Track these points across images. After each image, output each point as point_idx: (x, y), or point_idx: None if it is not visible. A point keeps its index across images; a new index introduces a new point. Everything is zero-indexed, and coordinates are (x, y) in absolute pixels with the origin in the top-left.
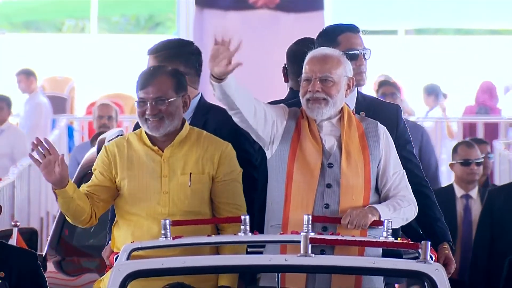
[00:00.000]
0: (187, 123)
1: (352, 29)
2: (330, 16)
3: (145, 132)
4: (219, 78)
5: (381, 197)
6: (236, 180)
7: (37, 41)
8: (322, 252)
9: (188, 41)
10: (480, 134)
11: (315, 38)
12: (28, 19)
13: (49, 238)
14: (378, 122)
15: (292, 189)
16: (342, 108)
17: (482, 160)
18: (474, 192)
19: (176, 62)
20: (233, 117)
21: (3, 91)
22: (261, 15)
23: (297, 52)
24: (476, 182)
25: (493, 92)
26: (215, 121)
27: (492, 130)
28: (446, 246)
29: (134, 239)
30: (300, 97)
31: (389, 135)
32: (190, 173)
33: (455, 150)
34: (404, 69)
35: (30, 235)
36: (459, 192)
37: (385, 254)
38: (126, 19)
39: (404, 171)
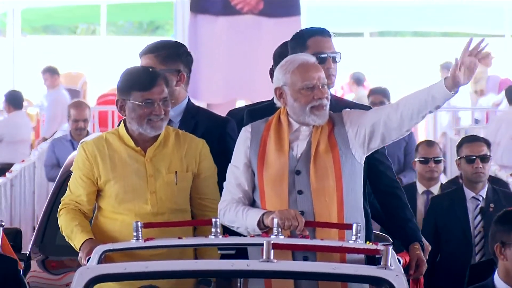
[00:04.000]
0: None
1: (321, 32)
2: (306, 20)
3: (127, 133)
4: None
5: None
6: (213, 176)
7: (55, 42)
8: (305, 258)
9: (181, 43)
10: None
11: (289, 41)
12: (47, 23)
13: (33, 237)
14: (343, 111)
15: (266, 202)
16: None
17: (441, 158)
18: (436, 188)
19: (178, 62)
20: None
21: (27, 86)
22: (246, 20)
23: (282, 55)
24: (437, 179)
25: None
26: (205, 124)
27: None
28: (417, 247)
29: (122, 238)
30: (300, 105)
31: (351, 111)
32: (176, 172)
33: (416, 148)
34: (370, 66)
35: (15, 235)
36: (420, 188)
37: (371, 259)
38: (131, 24)
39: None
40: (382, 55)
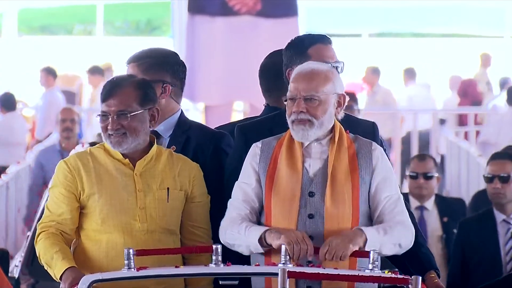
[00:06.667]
0: (154, 139)
1: (323, 40)
2: (304, 21)
3: None
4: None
5: (374, 223)
6: (206, 205)
7: (51, 42)
8: None
9: (173, 51)
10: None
11: (284, 49)
12: (43, 23)
13: (21, 261)
14: (373, 142)
15: (272, 224)
16: (333, 127)
17: (433, 174)
18: (430, 204)
19: (163, 72)
20: None
21: (23, 86)
22: (244, 21)
23: (268, 66)
24: (429, 195)
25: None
26: (197, 139)
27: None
28: (434, 275)
29: (109, 261)
30: (287, 118)
31: (385, 156)
32: (168, 188)
33: (409, 162)
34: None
35: (1, 256)
36: (413, 203)
37: None
38: (128, 24)
39: (401, 195)
40: (381, 56)
